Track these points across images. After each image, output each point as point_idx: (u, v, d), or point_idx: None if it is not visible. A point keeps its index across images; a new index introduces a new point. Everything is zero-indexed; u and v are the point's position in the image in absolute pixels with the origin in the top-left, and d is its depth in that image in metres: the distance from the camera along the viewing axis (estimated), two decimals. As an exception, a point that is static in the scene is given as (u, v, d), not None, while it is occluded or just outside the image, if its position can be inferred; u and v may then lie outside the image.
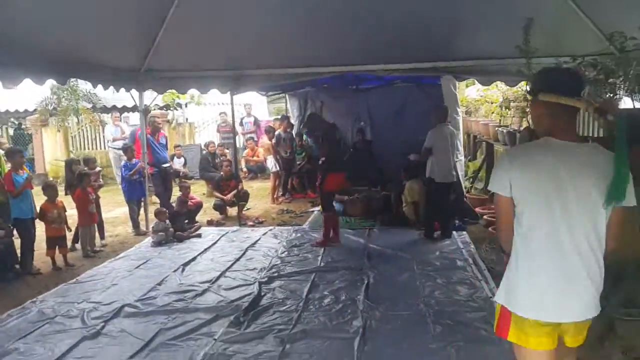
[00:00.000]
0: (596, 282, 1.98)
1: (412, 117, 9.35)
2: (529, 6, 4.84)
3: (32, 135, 14.05)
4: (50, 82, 6.55)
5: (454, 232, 6.68)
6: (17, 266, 5.76)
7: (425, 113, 8.86)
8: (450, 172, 6.45)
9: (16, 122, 15.09)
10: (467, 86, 11.10)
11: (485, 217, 7.12)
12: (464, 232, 6.71)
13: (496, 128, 7.22)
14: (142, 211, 7.65)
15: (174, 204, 7.70)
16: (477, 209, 7.55)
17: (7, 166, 6.35)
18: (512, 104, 7.01)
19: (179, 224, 7.14)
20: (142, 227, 7.53)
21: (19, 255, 5.81)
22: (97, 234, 6.77)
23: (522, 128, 6.14)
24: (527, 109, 5.35)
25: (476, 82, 7.96)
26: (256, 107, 14.85)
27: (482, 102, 9.47)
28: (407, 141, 9.16)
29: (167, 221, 6.97)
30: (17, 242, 5.87)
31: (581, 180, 1.93)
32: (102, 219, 6.99)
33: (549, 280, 1.95)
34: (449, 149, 6.40)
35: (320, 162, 6.35)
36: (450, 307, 4.31)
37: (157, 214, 6.99)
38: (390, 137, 9.57)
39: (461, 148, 7.67)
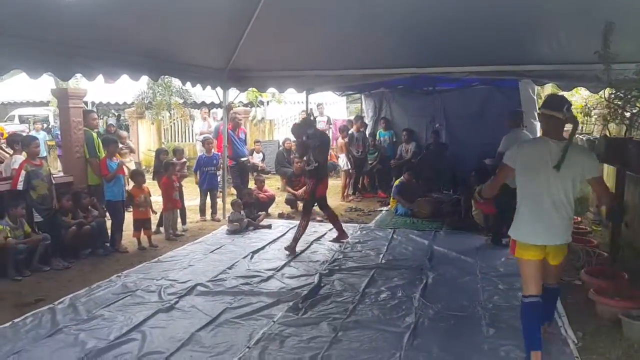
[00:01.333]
0: (565, 222, 3.23)
1: (489, 120, 9.14)
2: (615, 10, 4.62)
3: (129, 126, 15.28)
4: (146, 78, 7.17)
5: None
6: (108, 244, 6.41)
7: (503, 116, 8.72)
8: None
9: (116, 114, 16.48)
10: (552, 92, 10.65)
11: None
12: (535, 241, 6.51)
13: (577, 135, 6.92)
14: (219, 200, 8.16)
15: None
16: (552, 218, 7.28)
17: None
18: (593, 111, 6.70)
19: (246, 213, 7.54)
20: (207, 216, 8.10)
21: (109, 234, 6.47)
22: (179, 219, 7.33)
23: (600, 135, 5.87)
24: (609, 117, 5.11)
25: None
26: (334, 106, 15.15)
27: (566, 108, 9.06)
28: (484, 145, 9.00)
29: (242, 212, 7.39)
30: (109, 223, 6.52)
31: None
32: (184, 205, 7.55)
33: (535, 220, 3.23)
34: None
35: (311, 167, 6.31)
36: (507, 312, 4.27)
37: (233, 204, 7.44)
38: (466, 140, 9.43)
39: (538, 154, 7.42)
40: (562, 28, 5.51)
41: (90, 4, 4.29)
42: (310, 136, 6.30)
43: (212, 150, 8.17)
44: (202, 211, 8.10)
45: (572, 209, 3.24)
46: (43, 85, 12.92)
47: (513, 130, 6.41)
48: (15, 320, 4.15)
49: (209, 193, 8.13)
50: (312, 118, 8.23)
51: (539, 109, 3.64)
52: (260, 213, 7.84)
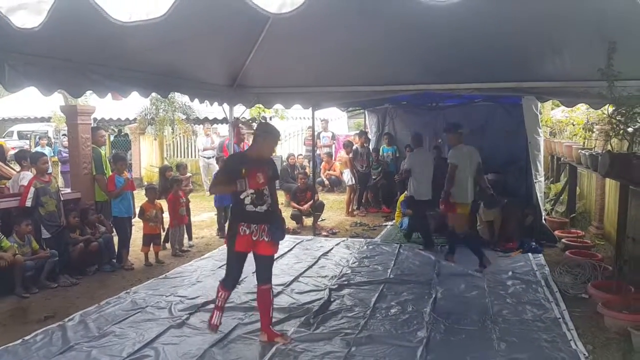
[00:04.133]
0: (472, 190, 6.16)
1: (492, 136, 9.26)
2: (617, 29, 4.72)
3: (131, 142, 15.35)
4: (151, 94, 7.26)
5: (530, 254, 6.56)
6: (114, 260, 6.42)
7: (507, 132, 8.83)
8: (427, 192, 6.98)
9: (116, 130, 16.55)
10: (552, 108, 10.77)
11: (563, 240, 6.92)
12: (540, 255, 6.57)
13: (579, 150, 7.01)
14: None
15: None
16: (556, 232, 7.34)
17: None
18: (595, 126, 6.79)
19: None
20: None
21: (116, 250, 6.49)
22: (185, 235, 7.36)
23: (603, 151, 5.95)
24: (611, 133, 5.20)
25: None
26: (336, 121, 15.25)
27: (567, 124, 9.16)
28: (487, 160, 9.07)
29: None
30: (116, 239, 6.55)
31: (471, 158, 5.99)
32: (190, 221, 7.59)
33: (467, 190, 6.02)
34: (425, 171, 7.01)
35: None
36: (517, 326, 4.31)
37: None
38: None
39: (541, 169, 7.51)
40: (565, 46, 5.60)
41: (104, 24, 4.37)
42: None
43: None
44: (223, 229, 8.03)
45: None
46: (43, 102, 12.97)
47: (417, 150, 7.26)
48: (26, 338, 4.14)
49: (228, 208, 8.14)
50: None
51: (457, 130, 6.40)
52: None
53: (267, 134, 4.10)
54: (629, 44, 4.69)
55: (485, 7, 4.43)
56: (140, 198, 6.95)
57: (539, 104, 7.46)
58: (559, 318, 4.43)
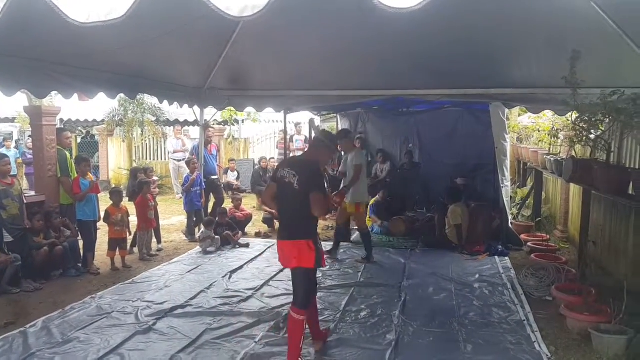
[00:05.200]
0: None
1: (461, 141, 9.44)
2: (582, 38, 4.86)
3: (98, 144, 15.02)
4: (119, 96, 7.14)
5: (496, 257, 6.70)
6: (80, 265, 6.26)
7: (475, 137, 9.02)
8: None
9: (83, 131, 16.18)
10: (519, 114, 11.03)
11: (529, 244, 7.09)
12: (506, 258, 6.71)
13: (545, 156, 7.20)
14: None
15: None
16: (522, 236, 7.51)
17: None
18: (560, 133, 6.99)
19: (220, 232, 7.49)
20: (196, 235, 7.96)
21: (81, 254, 6.33)
22: (154, 239, 7.24)
23: (567, 157, 6.13)
24: (575, 139, 5.35)
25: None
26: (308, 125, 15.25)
27: (533, 130, 9.40)
28: (456, 164, 9.27)
29: (204, 229, 7.35)
30: (81, 243, 6.38)
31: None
32: (159, 225, 7.47)
33: (365, 190, 6.45)
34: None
35: None
36: (483, 328, 4.38)
37: (206, 223, 7.41)
38: (438, 160, 9.68)
39: (507, 174, 7.68)
40: (531, 54, 5.76)
41: (65, 23, 4.28)
42: None
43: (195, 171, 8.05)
44: (193, 233, 7.94)
45: None
46: (7, 102, 12.59)
47: (358, 151, 7.12)
48: (-15, 345, 4.02)
49: (200, 212, 8.05)
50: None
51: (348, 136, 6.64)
52: (237, 232, 7.80)
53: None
54: (592, 53, 4.86)
55: (452, 16, 4.52)
56: (105, 201, 6.79)
57: (506, 110, 7.63)
58: (524, 320, 4.53)
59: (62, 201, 6.57)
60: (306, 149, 3.96)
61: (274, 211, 8.61)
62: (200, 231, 7.43)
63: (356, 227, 7.43)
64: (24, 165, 12.10)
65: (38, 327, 4.40)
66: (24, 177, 12.06)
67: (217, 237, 7.32)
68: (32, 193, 6.74)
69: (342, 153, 7.17)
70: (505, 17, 4.77)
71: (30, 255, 5.66)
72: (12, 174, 6.60)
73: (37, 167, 6.83)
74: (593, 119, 4.82)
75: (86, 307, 4.94)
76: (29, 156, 11.19)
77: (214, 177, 8.57)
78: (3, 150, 11.91)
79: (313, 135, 8.25)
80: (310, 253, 3.56)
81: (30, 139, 12.89)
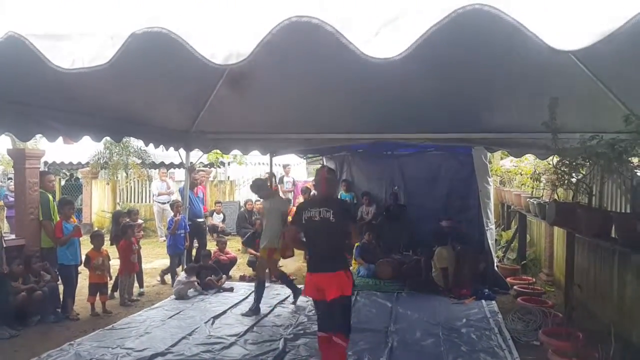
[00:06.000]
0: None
1: (445, 184, 9.54)
2: (561, 86, 5.00)
3: (82, 186, 14.87)
4: (105, 138, 7.14)
5: (483, 301, 6.65)
6: (59, 310, 6.09)
7: (458, 180, 9.14)
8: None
9: (67, 174, 16.06)
10: (501, 158, 11.23)
11: (515, 287, 7.07)
12: (493, 302, 6.66)
13: (528, 199, 7.29)
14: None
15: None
16: (508, 279, 7.50)
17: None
18: (542, 176, 7.11)
19: (203, 276, 7.38)
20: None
21: (61, 299, 6.16)
22: (135, 283, 7.08)
23: (550, 200, 6.22)
24: (557, 183, 5.45)
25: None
26: (295, 167, 15.35)
27: (516, 173, 9.55)
28: (440, 207, 9.32)
29: (185, 275, 7.21)
30: (61, 287, 6.22)
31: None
32: (142, 269, 7.32)
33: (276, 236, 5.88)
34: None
35: None
36: (471, 374, 4.31)
37: (187, 269, 7.31)
38: (423, 202, 9.71)
39: (492, 217, 7.74)
40: (512, 100, 5.91)
41: (49, 69, 4.30)
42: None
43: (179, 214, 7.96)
44: (175, 274, 7.72)
45: None
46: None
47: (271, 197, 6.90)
48: (-45, 397, 3.85)
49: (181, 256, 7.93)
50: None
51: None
52: (220, 276, 7.68)
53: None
54: (571, 100, 5.00)
55: (434, 64, 4.64)
56: (87, 245, 6.67)
57: (489, 154, 7.77)
58: (512, 366, 4.47)
59: (43, 244, 6.43)
60: (318, 188, 4.27)
61: (257, 254, 8.64)
62: (179, 276, 7.28)
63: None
64: (5, 208, 11.90)
65: (12, 377, 4.23)
66: (4, 219, 11.85)
67: (195, 282, 7.17)
68: (13, 236, 6.60)
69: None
70: (486, 66, 4.92)
71: (7, 301, 5.49)
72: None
73: (18, 210, 6.73)
74: (574, 163, 4.92)
75: (64, 355, 4.78)
76: (11, 199, 11.01)
77: (200, 220, 8.50)
78: (-17, 193, 11.72)
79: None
80: (350, 282, 3.90)
81: (12, 181, 12.79)
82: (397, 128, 6.94)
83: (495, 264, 7.61)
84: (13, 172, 8.36)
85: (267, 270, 6.96)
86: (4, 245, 5.78)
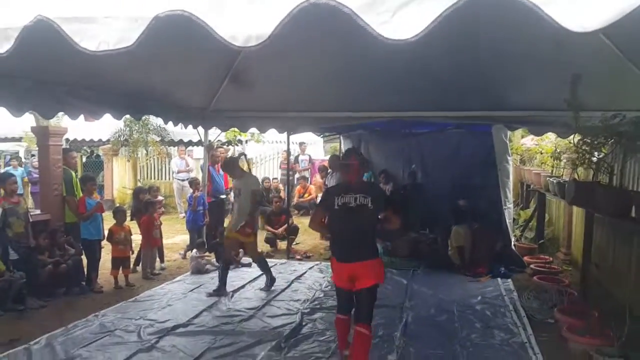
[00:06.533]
0: None
1: (464, 162, 9.43)
2: (584, 63, 4.91)
3: (103, 163, 15.14)
4: (125, 116, 7.25)
5: (499, 279, 6.68)
6: (83, 283, 6.31)
7: (477, 158, 9.05)
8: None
9: (89, 150, 16.35)
10: (522, 136, 11.11)
11: (532, 266, 7.08)
12: (509, 280, 6.69)
13: (547, 178, 7.24)
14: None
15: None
16: (525, 258, 7.50)
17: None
18: (563, 155, 7.03)
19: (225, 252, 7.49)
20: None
21: (85, 273, 6.37)
22: (157, 258, 7.27)
23: (570, 179, 6.15)
24: (577, 161, 5.39)
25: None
26: (312, 145, 15.37)
27: (536, 152, 9.45)
28: (458, 186, 9.27)
29: (195, 251, 7.36)
30: (85, 261, 6.42)
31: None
32: (162, 244, 7.51)
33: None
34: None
35: None
36: (485, 350, 4.38)
37: (198, 245, 7.46)
38: (440, 181, 9.68)
39: (510, 196, 7.70)
40: (533, 77, 5.82)
41: (74, 50, 4.38)
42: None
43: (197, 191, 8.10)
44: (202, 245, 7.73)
45: None
46: (14, 122, 12.75)
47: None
48: (-11, 362, 4.05)
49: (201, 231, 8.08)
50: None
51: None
52: (239, 253, 7.81)
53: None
54: (594, 77, 4.91)
55: (453, 41, 4.59)
56: (109, 220, 6.85)
57: (509, 132, 7.69)
58: (526, 343, 4.52)
59: (67, 220, 6.63)
60: (348, 174, 3.91)
61: (277, 231, 8.78)
62: (193, 251, 7.44)
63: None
64: (30, 184, 12.21)
65: (42, 344, 4.44)
66: (29, 195, 12.17)
67: (204, 261, 7.28)
68: (38, 211, 6.80)
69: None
70: (506, 43, 4.85)
71: (35, 273, 5.70)
72: (19, 192, 6.69)
73: (43, 186, 6.91)
74: (595, 142, 4.87)
75: (89, 325, 4.97)
76: (35, 175, 11.29)
77: (222, 197, 8.64)
78: (9, 170, 12.01)
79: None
80: (382, 269, 3.86)
81: (35, 158, 13.07)
82: (415, 106, 6.88)
83: (512, 243, 7.61)
84: (37, 149, 8.55)
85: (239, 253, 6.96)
86: (30, 220, 5.98)
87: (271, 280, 6.36)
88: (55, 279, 5.95)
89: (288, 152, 9.31)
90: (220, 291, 6.04)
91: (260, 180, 11.90)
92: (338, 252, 3.88)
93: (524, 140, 11.17)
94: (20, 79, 4.54)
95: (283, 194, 10.93)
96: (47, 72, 4.67)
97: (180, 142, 14.00)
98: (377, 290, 3.81)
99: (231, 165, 6.45)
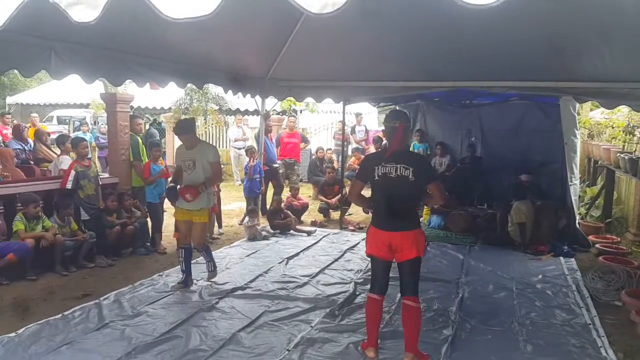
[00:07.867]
0: None
1: (527, 136, 9.06)
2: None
3: (165, 130, 15.64)
4: (187, 85, 7.39)
5: (561, 258, 6.45)
6: (148, 244, 6.63)
7: (542, 132, 8.67)
8: None
9: (151, 118, 16.91)
10: (591, 109, 10.51)
11: (597, 245, 6.78)
12: (572, 259, 6.44)
13: (618, 154, 6.84)
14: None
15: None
16: (590, 237, 7.19)
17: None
18: (637, 130, 6.60)
19: (275, 219, 7.68)
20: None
21: (150, 234, 6.68)
22: (215, 223, 7.50)
23: (644, 155, 5.80)
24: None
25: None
26: (367, 116, 15.19)
27: (606, 126, 8.93)
28: (520, 160, 8.94)
29: (247, 219, 7.49)
30: (150, 224, 6.73)
31: None
32: (221, 210, 7.73)
33: None
34: None
35: None
36: (545, 329, 4.26)
37: (250, 212, 7.60)
38: (501, 154, 9.34)
39: (576, 171, 7.35)
40: (607, 45, 5.44)
41: (151, 19, 4.48)
42: None
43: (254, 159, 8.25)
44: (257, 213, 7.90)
45: None
46: (82, 88, 13.33)
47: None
48: (65, 313, 4.36)
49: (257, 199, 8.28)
50: None
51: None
52: (288, 218, 7.90)
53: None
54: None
55: (521, 8, 4.34)
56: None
57: (577, 105, 7.29)
58: (589, 324, 4.36)
59: (133, 184, 6.95)
60: (392, 138, 3.57)
61: (330, 201, 8.82)
62: (245, 219, 7.60)
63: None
64: (97, 149, 12.82)
65: (111, 300, 4.72)
66: (97, 160, 12.79)
67: (259, 227, 7.42)
68: (106, 175, 7.14)
69: None
70: (579, 9, 4.55)
71: (103, 233, 6.04)
72: (88, 156, 7.02)
73: (111, 151, 7.23)
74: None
75: (154, 284, 5.23)
76: (102, 140, 11.85)
77: (275, 165, 8.76)
78: (80, 134, 12.63)
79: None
80: (423, 240, 3.64)
81: (102, 124, 13.66)
82: (477, 75, 6.60)
83: (577, 221, 7.29)
84: (105, 115, 8.90)
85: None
86: (100, 183, 6.29)
87: (213, 271, 5.45)
88: (122, 240, 6.28)
89: (343, 122, 9.24)
90: (185, 282, 5.23)
91: (315, 151, 11.98)
92: (378, 220, 3.64)
93: (592, 114, 10.58)
94: (93, 47, 4.71)
95: (337, 164, 10.92)
96: (120, 41, 4.81)
97: (237, 111, 14.23)
98: (424, 264, 3.69)
99: (186, 128, 5.09)
